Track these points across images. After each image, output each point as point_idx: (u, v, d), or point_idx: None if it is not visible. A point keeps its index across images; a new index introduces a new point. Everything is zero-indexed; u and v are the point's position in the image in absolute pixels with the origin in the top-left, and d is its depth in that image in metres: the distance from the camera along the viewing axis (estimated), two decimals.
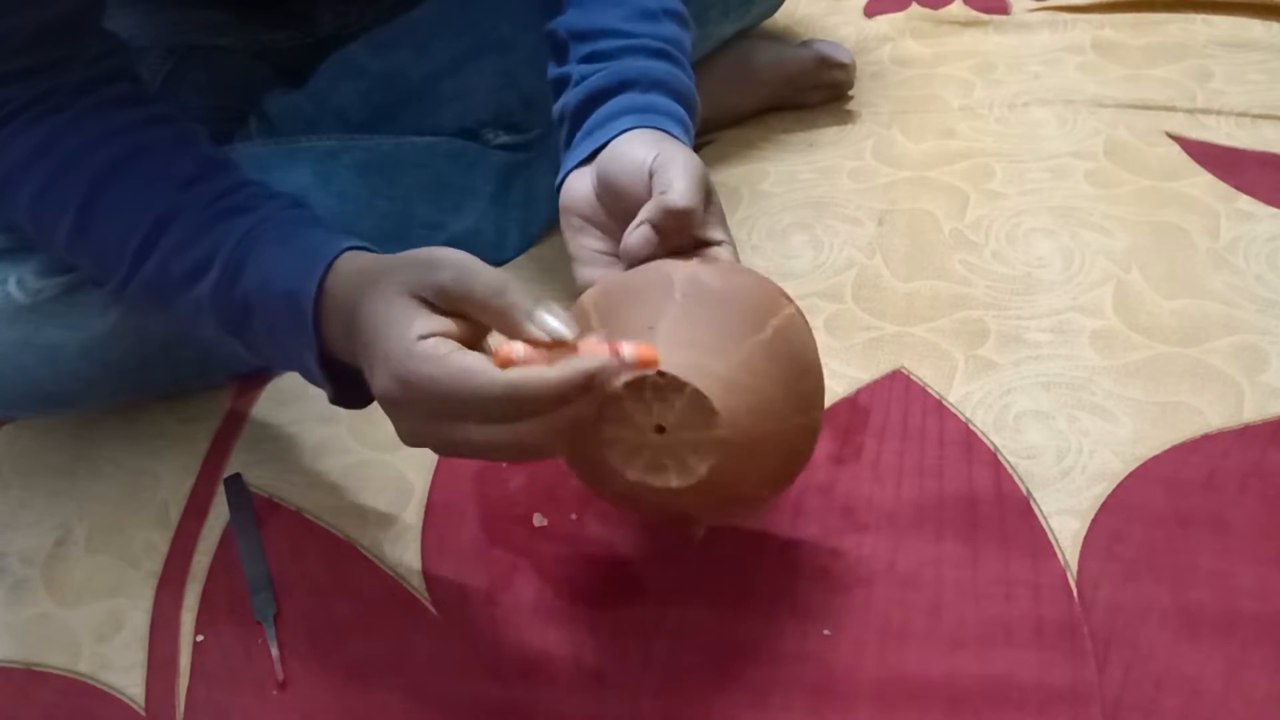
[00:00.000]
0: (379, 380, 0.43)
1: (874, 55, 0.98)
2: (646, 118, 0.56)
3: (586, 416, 0.43)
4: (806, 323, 0.49)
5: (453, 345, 0.42)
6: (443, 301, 0.43)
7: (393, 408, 0.44)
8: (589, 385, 0.41)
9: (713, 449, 0.44)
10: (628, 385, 0.43)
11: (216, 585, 0.61)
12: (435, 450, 0.45)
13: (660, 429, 0.44)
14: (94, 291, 0.62)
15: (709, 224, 0.53)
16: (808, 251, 0.77)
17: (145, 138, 0.55)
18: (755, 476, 0.47)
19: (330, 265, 0.48)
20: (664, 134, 0.56)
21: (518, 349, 0.42)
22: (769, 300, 0.48)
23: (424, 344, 0.41)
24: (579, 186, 0.57)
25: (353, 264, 0.48)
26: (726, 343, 0.45)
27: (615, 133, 0.55)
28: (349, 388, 0.51)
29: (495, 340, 0.44)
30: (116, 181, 0.53)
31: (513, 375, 0.40)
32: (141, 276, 0.53)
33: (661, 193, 0.50)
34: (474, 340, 0.44)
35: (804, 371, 0.48)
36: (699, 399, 0.43)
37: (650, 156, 0.52)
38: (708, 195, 0.53)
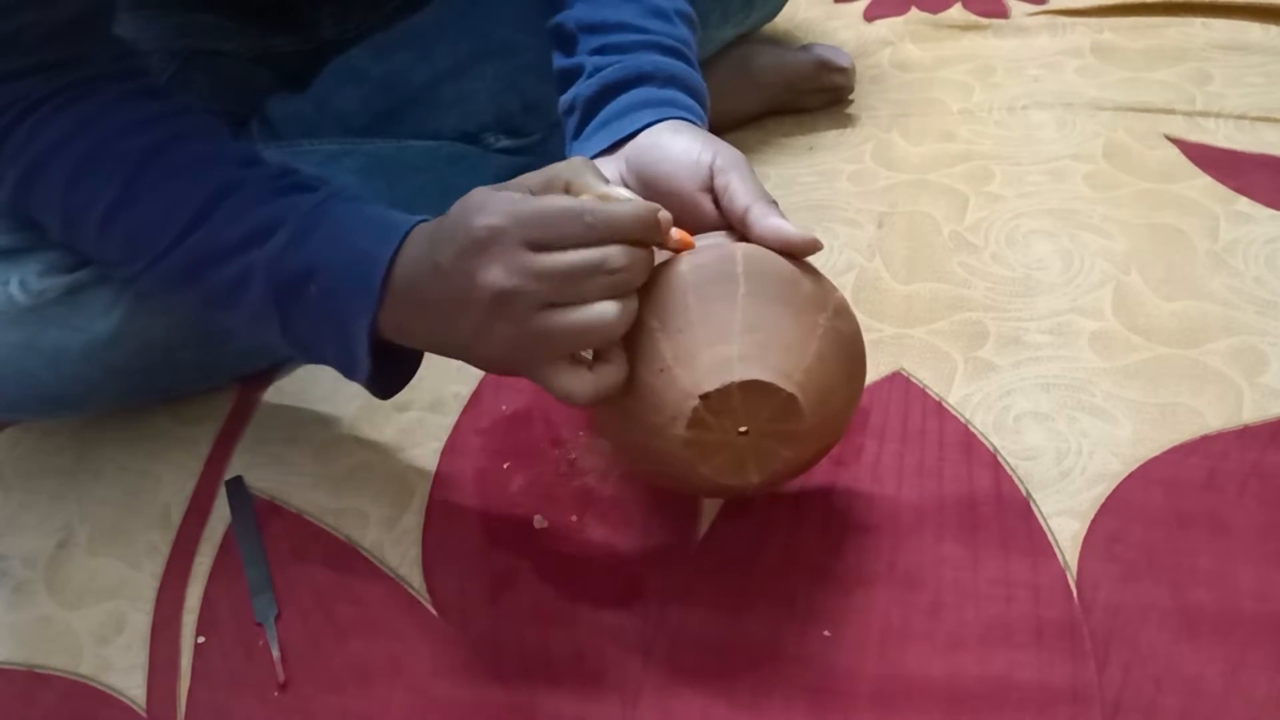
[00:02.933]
0: (479, 219, 0.45)
1: (874, 59, 0.99)
2: (666, 111, 0.56)
3: (647, 267, 0.46)
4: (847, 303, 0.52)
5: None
6: (526, 190, 0.47)
7: (483, 248, 0.45)
8: (655, 220, 0.45)
9: (794, 442, 0.47)
10: (708, 396, 0.45)
11: (218, 587, 0.61)
12: (522, 295, 0.44)
13: (743, 431, 0.46)
14: (97, 293, 0.63)
15: None
16: None
17: (185, 124, 0.56)
18: (811, 452, 0.51)
19: (408, 234, 0.50)
20: (699, 128, 0.56)
21: None
22: (824, 284, 0.50)
23: (514, 193, 0.46)
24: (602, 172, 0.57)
25: (427, 226, 0.50)
26: (797, 334, 0.47)
27: (639, 125, 0.55)
28: (382, 372, 0.52)
29: None
30: (168, 158, 0.54)
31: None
32: (187, 246, 0.53)
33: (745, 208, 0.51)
34: None
35: (857, 350, 0.51)
36: (791, 403, 0.45)
37: (703, 153, 0.52)
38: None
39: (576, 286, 0.44)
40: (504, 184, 0.48)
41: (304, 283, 0.51)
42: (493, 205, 0.45)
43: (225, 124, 0.59)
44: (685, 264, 0.48)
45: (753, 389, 0.45)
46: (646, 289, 0.47)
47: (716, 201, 0.52)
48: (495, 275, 0.44)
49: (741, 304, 0.46)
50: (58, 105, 0.54)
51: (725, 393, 0.45)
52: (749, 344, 0.45)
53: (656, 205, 0.46)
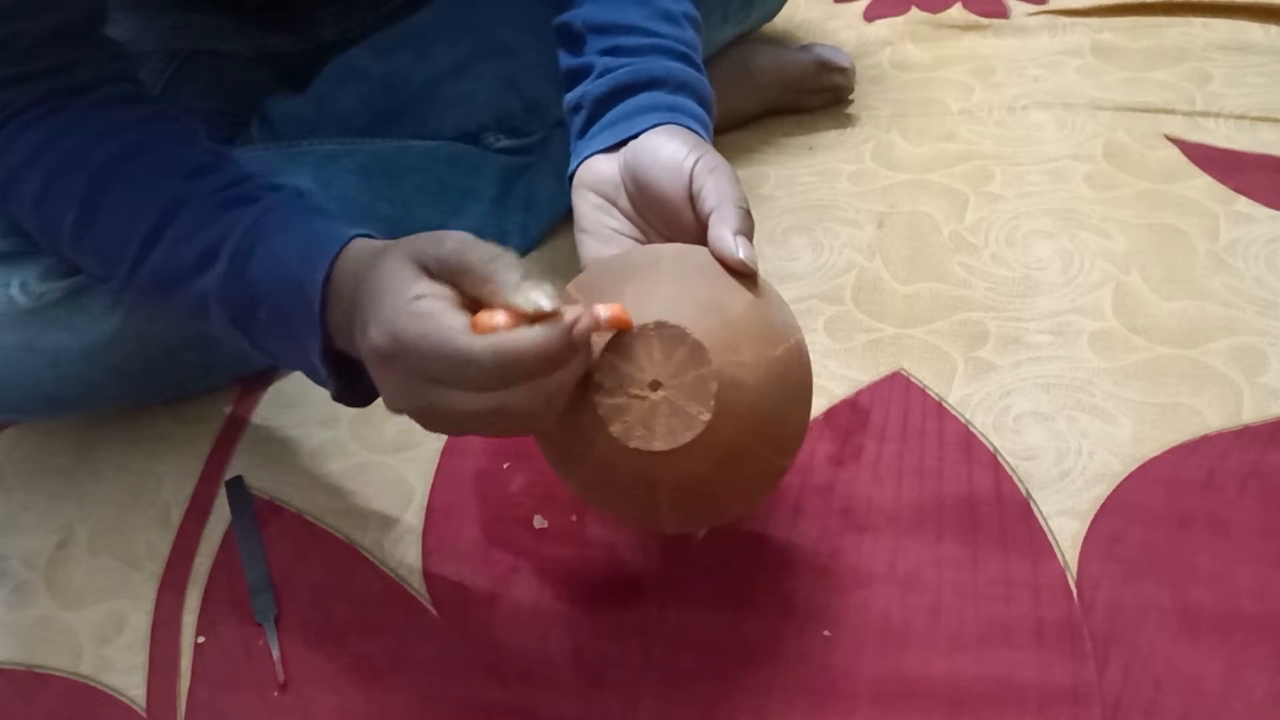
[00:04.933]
0: (372, 335, 0.43)
1: (874, 59, 0.99)
2: (673, 116, 0.56)
3: (569, 385, 0.43)
4: (782, 299, 0.51)
5: (446, 306, 0.42)
6: (441, 271, 0.44)
7: (382, 366, 0.44)
8: (570, 341, 0.41)
9: (703, 400, 0.44)
10: (614, 340, 0.44)
11: (218, 587, 0.61)
12: (421, 419, 0.44)
13: (656, 384, 0.45)
14: (97, 295, 0.63)
15: None
16: (807, 254, 0.77)
17: (147, 132, 0.55)
18: (728, 442, 0.46)
19: (338, 254, 0.48)
20: (695, 135, 0.56)
21: (499, 318, 0.42)
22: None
23: (419, 302, 0.42)
24: (603, 168, 0.56)
25: (360, 249, 0.48)
26: (713, 305, 0.46)
27: (645, 127, 0.55)
28: (350, 384, 0.51)
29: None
30: (120, 175, 0.54)
31: (495, 337, 0.41)
32: (148, 266, 0.54)
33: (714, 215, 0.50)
34: (469, 311, 0.44)
35: (781, 338, 0.48)
36: (698, 350, 0.44)
37: (687, 157, 0.52)
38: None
39: (474, 430, 0.43)
40: (414, 244, 0.45)
41: (253, 309, 0.51)
42: (390, 318, 0.42)
43: (193, 123, 0.58)
44: (610, 258, 0.50)
45: (660, 333, 0.44)
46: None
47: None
48: (393, 397, 0.44)
49: (661, 280, 0.47)
50: (31, 118, 0.54)
51: (633, 335, 0.44)
52: (661, 306, 0.45)
53: (570, 320, 0.41)
